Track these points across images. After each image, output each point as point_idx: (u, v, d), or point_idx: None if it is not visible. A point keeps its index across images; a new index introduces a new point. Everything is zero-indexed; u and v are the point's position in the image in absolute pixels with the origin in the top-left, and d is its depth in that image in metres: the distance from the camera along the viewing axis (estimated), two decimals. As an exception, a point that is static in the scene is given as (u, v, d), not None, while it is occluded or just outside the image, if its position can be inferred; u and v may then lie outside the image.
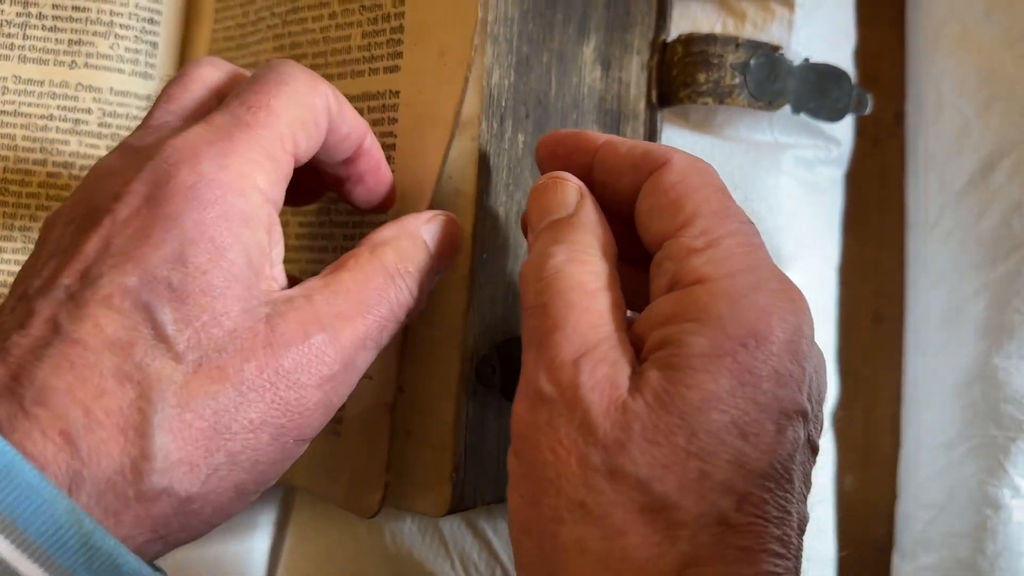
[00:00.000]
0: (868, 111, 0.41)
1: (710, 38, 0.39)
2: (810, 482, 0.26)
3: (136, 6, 0.39)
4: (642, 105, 0.40)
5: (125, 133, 0.39)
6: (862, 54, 0.46)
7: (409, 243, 0.29)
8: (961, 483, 0.45)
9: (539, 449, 0.25)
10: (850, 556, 0.47)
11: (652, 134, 0.40)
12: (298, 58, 0.39)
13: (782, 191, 0.42)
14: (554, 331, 0.26)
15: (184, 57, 0.42)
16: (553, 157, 0.31)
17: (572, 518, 0.24)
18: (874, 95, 0.43)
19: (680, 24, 0.43)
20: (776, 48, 0.39)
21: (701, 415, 0.23)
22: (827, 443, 0.45)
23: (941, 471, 0.46)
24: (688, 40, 0.39)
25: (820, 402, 0.27)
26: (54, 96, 0.39)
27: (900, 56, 0.51)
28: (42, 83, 0.39)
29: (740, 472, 0.23)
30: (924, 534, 0.46)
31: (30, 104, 0.39)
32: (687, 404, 0.24)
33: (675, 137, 0.42)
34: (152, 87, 0.41)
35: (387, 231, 0.29)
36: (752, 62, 0.39)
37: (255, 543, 0.45)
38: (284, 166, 0.28)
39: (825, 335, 0.44)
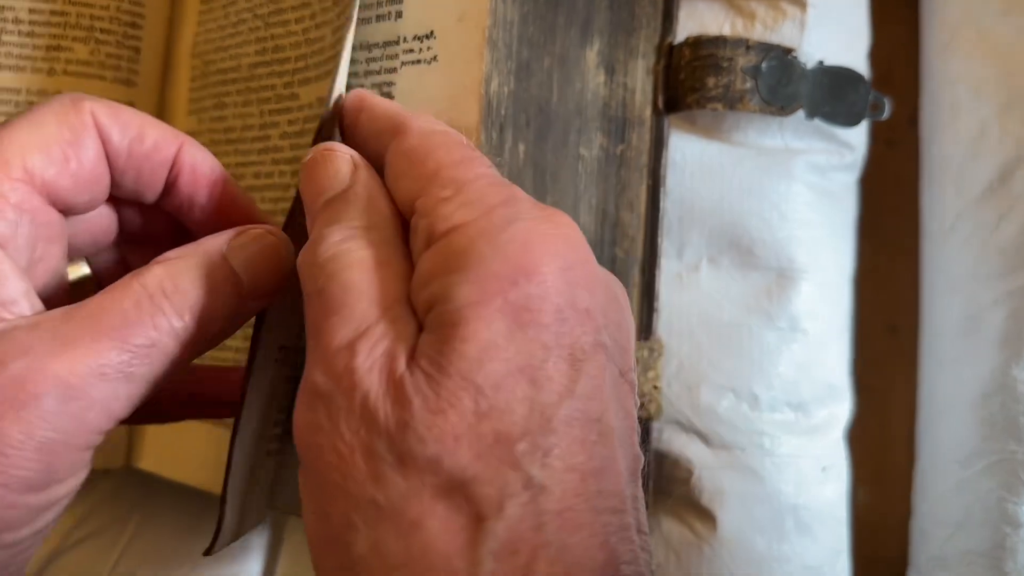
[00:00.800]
0: (886, 116, 0.39)
1: (719, 40, 0.37)
2: (634, 419, 0.24)
3: (117, 9, 0.38)
4: (648, 111, 0.38)
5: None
6: (874, 54, 0.44)
7: (192, 262, 0.26)
8: (979, 500, 0.43)
9: (322, 452, 0.22)
10: (864, 573, 0.46)
11: (659, 141, 0.39)
12: (281, 61, 0.37)
13: (794, 198, 0.41)
14: (329, 316, 0.23)
15: (167, 63, 0.40)
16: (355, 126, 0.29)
17: (365, 521, 0.21)
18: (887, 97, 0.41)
19: (687, 26, 0.41)
20: (789, 50, 0.37)
21: (482, 369, 0.21)
22: (840, 457, 0.43)
23: (958, 487, 0.44)
24: (696, 43, 0.37)
25: (623, 332, 0.24)
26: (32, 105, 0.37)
27: (913, 56, 0.49)
28: (19, 91, 0.37)
29: (539, 422, 0.21)
30: (940, 552, 0.45)
31: (6, 114, 0.37)
32: (465, 360, 0.21)
33: (683, 143, 0.40)
34: (134, 94, 0.39)
35: (180, 249, 0.26)
36: (764, 65, 0.37)
37: (248, 566, 0.44)
38: (12, 194, 0.25)
39: (839, 347, 0.42)
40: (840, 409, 0.42)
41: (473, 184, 0.24)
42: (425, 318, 0.22)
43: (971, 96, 0.46)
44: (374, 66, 0.35)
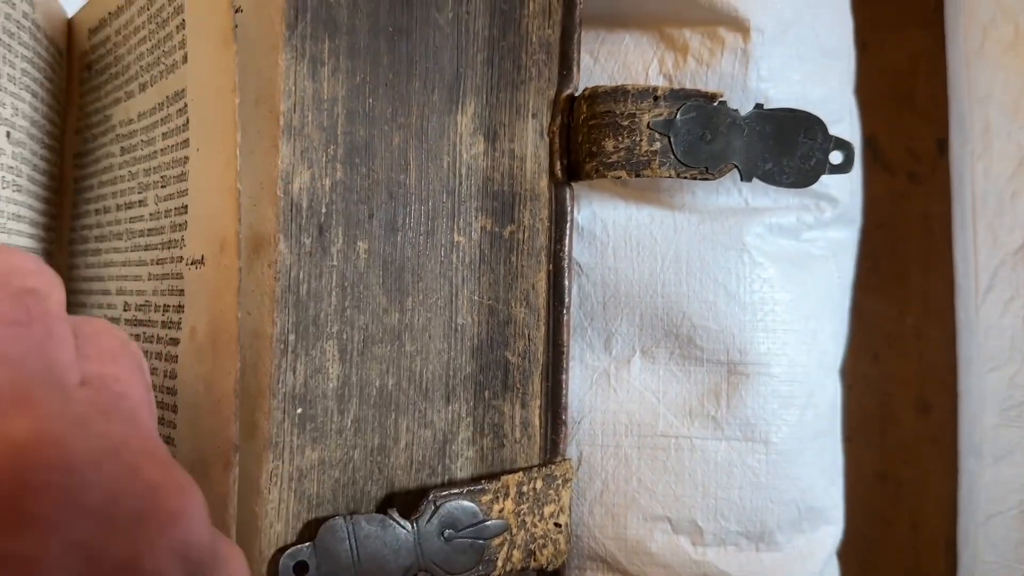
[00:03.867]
0: (850, 169, 0.29)
1: (618, 92, 0.29)
2: None
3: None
4: (543, 182, 0.31)
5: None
6: (890, 69, 0.35)
7: None
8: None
9: None
10: None
11: (560, 217, 0.31)
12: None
13: (748, 273, 0.32)
14: None
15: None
16: None
17: None
18: (911, 120, 0.32)
19: (607, 65, 0.33)
20: (712, 96, 0.29)
21: None
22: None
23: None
24: (592, 96, 0.30)
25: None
26: None
27: (939, 67, 0.39)
28: None
29: None
30: None
31: None
32: None
33: (603, 211, 0.33)
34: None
35: None
36: (679, 118, 0.29)
37: None
38: None
39: (821, 455, 0.33)
40: (823, 533, 0.33)
41: None
42: None
43: (1007, 118, 0.35)
44: (155, 168, 0.29)
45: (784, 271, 0.33)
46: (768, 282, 0.33)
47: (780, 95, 0.32)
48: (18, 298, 0.18)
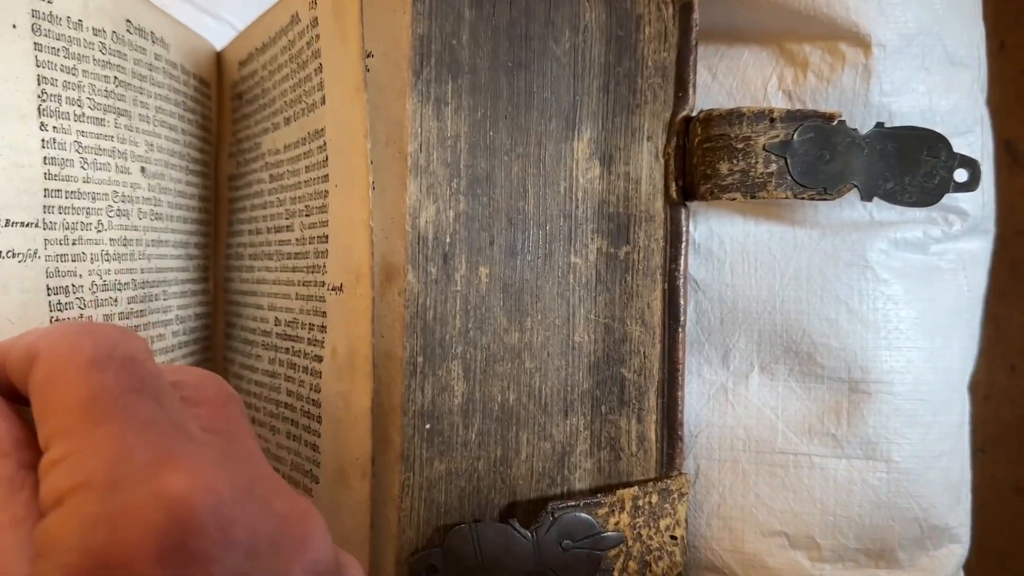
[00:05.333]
0: (976, 187, 0.29)
1: (733, 115, 0.30)
2: None
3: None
4: (659, 203, 0.32)
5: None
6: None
7: None
8: None
9: None
10: None
11: (675, 238, 0.32)
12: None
13: (871, 290, 0.32)
14: None
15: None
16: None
17: None
18: None
19: (725, 82, 0.34)
20: (830, 116, 0.29)
21: None
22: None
23: None
24: (707, 119, 0.30)
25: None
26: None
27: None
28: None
29: None
30: None
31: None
32: None
33: (720, 227, 0.34)
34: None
35: None
36: (796, 139, 0.29)
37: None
38: None
39: (946, 473, 0.33)
40: (948, 551, 0.33)
41: (84, 441, 0.20)
42: None
43: None
44: (300, 197, 0.32)
45: (909, 287, 0.33)
46: (892, 299, 0.33)
47: (904, 109, 0.32)
48: (127, 367, 0.21)
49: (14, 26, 0.29)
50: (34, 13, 0.30)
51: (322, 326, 0.32)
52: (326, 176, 0.32)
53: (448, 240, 0.30)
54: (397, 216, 0.29)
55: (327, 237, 0.32)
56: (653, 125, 0.33)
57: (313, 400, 0.32)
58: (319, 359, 0.32)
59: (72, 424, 0.20)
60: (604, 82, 0.32)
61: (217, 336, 0.42)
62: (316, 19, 0.31)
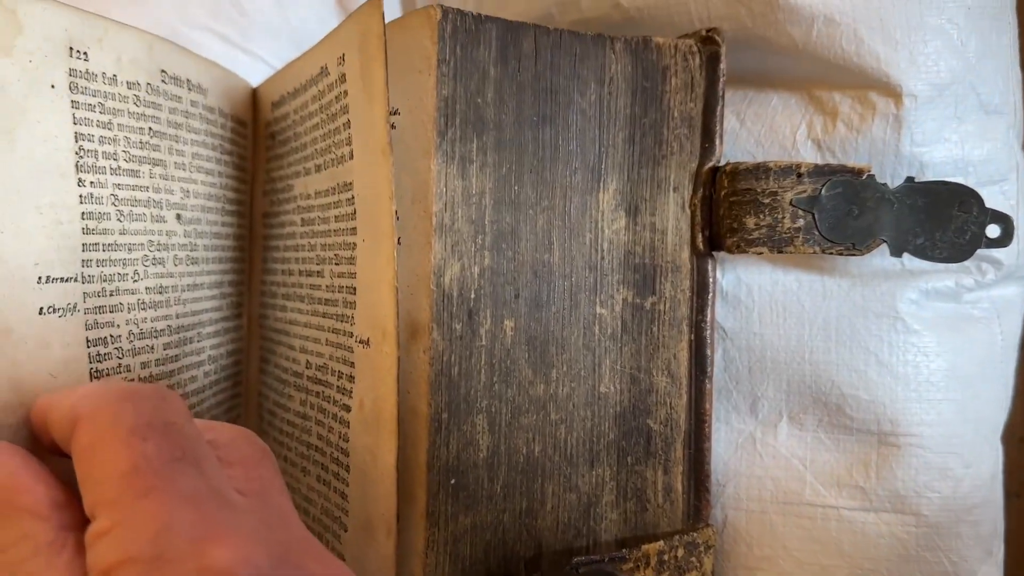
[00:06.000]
0: (1009, 243, 0.29)
1: (760, 170, 0.30)
2: None
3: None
4: (685, 254, 0.32)
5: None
6: None
7: None
8: None
9: None
10: None
11: (702, 288, 0.32)
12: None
13: (902, 342, 0.32)
14: None
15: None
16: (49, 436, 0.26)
17: None
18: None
19: (754, 128, 0.34)
20: (859, 171, 0.29)
21: None
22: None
23: None
24: (734, 173, 0.30)
25: None
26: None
27: None
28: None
29: None
30: None
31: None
32: None
33: (748, 276, 0.34)
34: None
35: None
36: (824, 193, 0.29)
37: None
38: None
39: (978, 530, 0.33)
40: (981, 609, 0.32)
41: (129, 512, 0.20)
42: None
43: None
44: (329, 245, 0.33)
45: (940, 337, 0.32)
46: (922, 350, 0.32)
47: (937, 159, 0.31)
48: (168, 434, 0.22)
49: (53, 86, 0.30)
50: (72, 72, 0.30)
51: (350, 376, 0.32)
52: (354, 229, 0.32)
53: (473, 296, 0.30)
54: (422, 274, 0.29)
55: (355, 289, 0.32)
56: (679, 176, 0.33)
57: (342, 449, 0.33)
58: (347, 408, 0.32)
59: (116, 495, 0.20)
60: (630, 133, 0.32)
61: (251, 371, 0.43)
62: (344, 75, 0.32)
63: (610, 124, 0.32)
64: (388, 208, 0.29)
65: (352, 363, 0.32)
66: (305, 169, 0.38)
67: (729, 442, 0.35)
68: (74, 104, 0.31)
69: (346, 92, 0.32)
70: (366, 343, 0.31)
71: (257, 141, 0.44)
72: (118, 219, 0.32)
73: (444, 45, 0.29)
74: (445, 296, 0.30)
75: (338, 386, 0.34)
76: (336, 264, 0.34)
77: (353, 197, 0.32)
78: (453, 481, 0.30)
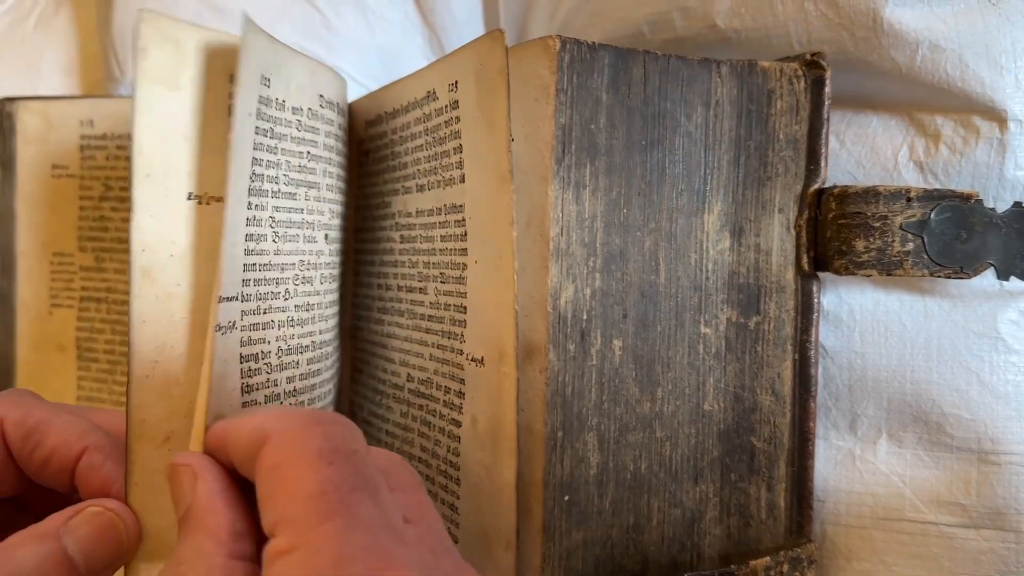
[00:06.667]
0: (1121, 268, 0.29)
1: (869, 194, 0.30)
2: None
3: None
4: (790, 274, 0.33)
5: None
6: None
7: (26, 551, 0.26)
8: None
9: None
10: None
11: (806, 308, 0.33)
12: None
13: (1001, 361, 0.32)
14: None
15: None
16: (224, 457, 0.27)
17: None
18: None
19: (854, 150, 0.34)
20: (967, 196, 0.30)
21: None
22: None
23: None
24: (843, 196, 0.31)
25: None
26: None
27: None
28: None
29: None
30: None
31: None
32: None
33: (850, 296, 0.34)
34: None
35: (17, 536, 0.27)
36: (933, 218, 0.30)
37: None
38: None
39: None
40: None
41: (312, 535, 0.21)
42: None
43: None
44: (435, 263, 0.34)
45: (1044, 358, 0.33)
46: (1023, 370, 0.33)
47: (1042, 186, 0.32)
48: (351, 462, 0.23)
49: (250, 114, 0.31)
50: (261, 99, 0.31)
51: (460, 392, 0.33)
52: (464, 250, 0.33)
53: (585, 317, 0.31)
54: (539, 297, 0.30)
55: (465, 308, 0.33)
56: (784, 197, 0.33)
57: (451, 463, 0.34)
58: (457, 424, 0.33)
59: (300, 516, 0.21)
60: (735, 155, 0.33)
61: (343, 382, 0.45)
62: (456, 101, 0.33)
63: (715, 146, 0.33)
64: (508, 233, 0.30)
65: (462, 379, 0.33)
66: (404, 188, 0.39)
67: (828, 459, 0.35)
68: (257, 131, 0.31)
69: (458, 118, 0.33)
70: (479, 362, 0.32)
71: (351, 156, 0.45)
72: (273, 240, 0.33)
73: (562, 75, 0.30)
74: (560, 318, 0.30)
75: (444, 400, 0.35)
76: (442, 282, 0.35)
77: (464, 219, 0.33)
78: (567, 497, 0.31)
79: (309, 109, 0.34)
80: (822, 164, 0.33)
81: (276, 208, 0.33)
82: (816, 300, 0.33)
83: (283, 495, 0.22)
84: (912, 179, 0.34)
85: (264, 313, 0.32)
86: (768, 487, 0.34)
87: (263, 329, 0.32)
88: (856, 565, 0.34)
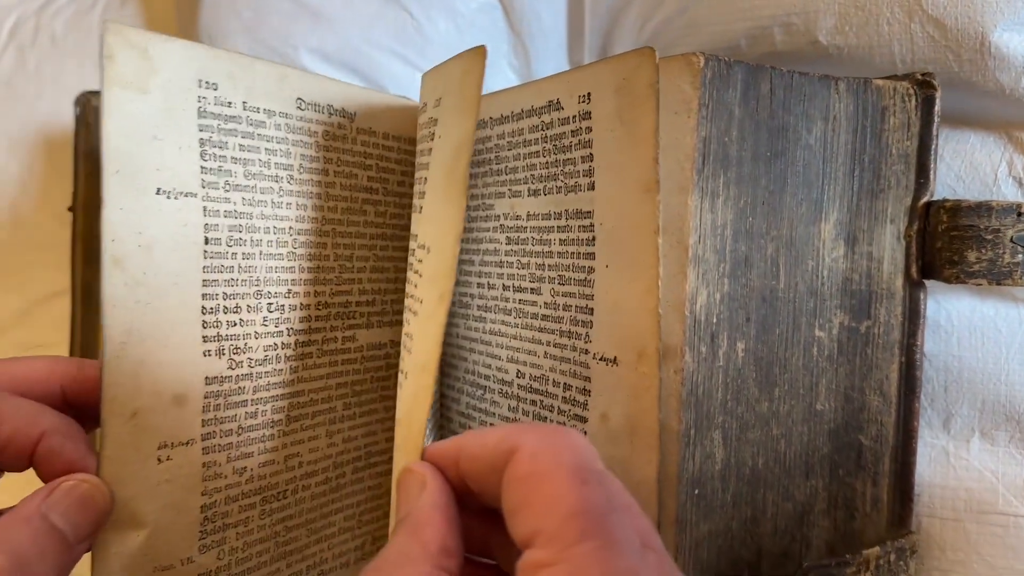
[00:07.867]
0: None
1: (982, 208, 0.32)
2: None
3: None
4: (899, 281, 0.35)
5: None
6: None
7: (22, 531, 0.27)
8: None
9: None
10: None
11: (913, 314, 0.35)
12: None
13: (1096, 367, 0.34)
14: None
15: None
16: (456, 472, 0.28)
17: None
18: None
19: (953, 164, 0.36)
20: (1077, 212, 0.31)
21: None
22: None
23: None
24: (955, 209, 0.33)
25: None
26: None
27: None
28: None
29: None
30: None
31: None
32: None
33: (949, 303, 0.36)
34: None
35: (2, 521, 0.28)
36: (1043, 231, 0.31)
37: None
38: None
39: None
40: None
41: (575, 551, 0.22)
42: None
43: None
44: (551, 265, 0.35)
45: None
46: (1117, 375, 0.35)
47: None
48: (604, 483, 0.23)
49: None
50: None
51: (584, 389, 0.35)
52: (591, 254, 0.35)
53: (715, 320, 0.33)
54: (676, 301, 0.32)
55: (591, 310, 0.35)
56: (896, 209, 0.35)
57: (573, 457, 0.35)
58: (581, 419, 0.35)
59: (560, 531, 0.22)
60: (850, 168, 0.35)
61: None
62: (588, 113, 0.34)
63: (832, 159, 0.34)
64: (653, 241, 0.31)
65: (587, 377, 0.35)
66: (512, 191, 0.40)
67: (923, 455, 0.37)
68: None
69: (589, 128, 0.34)
70: (612, 362, 0.34)
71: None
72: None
73: (705, 91, 0.31)
74: (696, 321, 0.32)
75: (564, 396, 0.36)
76: (560, 284, 0.37)
77: (591, 225, 0.35)
78: (696, 491, 0.33)
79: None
80: (931, 178, 0.35)
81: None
82: (923, 306, 0.35)
83: (541, 507, 0.22)
84: (1011, 194, 0.36)
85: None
86: (873, 482, 0.36)
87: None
88: (951, 555, 0.37)
